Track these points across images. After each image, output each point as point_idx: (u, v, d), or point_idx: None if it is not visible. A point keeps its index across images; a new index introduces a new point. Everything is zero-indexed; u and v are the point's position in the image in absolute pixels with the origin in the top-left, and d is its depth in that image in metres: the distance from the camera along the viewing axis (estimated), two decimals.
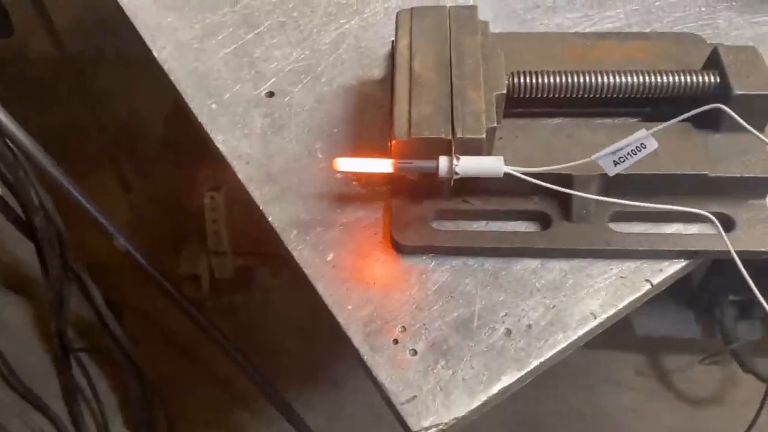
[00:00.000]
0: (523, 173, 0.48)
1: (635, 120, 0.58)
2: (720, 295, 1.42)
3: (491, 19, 0.66)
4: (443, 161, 0.48)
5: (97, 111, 1.58)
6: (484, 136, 0.48)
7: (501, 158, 0.48)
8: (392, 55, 0.54)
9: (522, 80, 0.53)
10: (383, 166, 0.48)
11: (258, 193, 0.55)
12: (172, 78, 0.63)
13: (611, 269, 0.50)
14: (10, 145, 0.78)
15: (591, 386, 1.43)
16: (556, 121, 0.57)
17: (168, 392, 1.40)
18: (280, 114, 0.60)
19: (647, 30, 0.65)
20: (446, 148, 0.48)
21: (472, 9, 0.56)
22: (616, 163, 0.47)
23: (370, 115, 0.60)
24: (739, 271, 0.49)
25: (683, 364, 1.48)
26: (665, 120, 0.57)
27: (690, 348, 1.48)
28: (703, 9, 0.67)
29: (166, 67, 0.64)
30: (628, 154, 0.47)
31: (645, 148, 0.47)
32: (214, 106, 0.61)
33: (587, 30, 0.66)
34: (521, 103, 0.56)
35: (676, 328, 1.52)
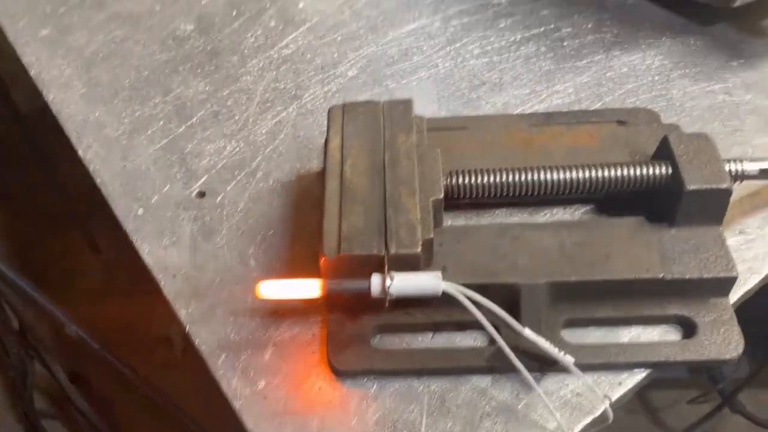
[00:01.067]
0: (465, 286, 0.44)
1: (587, 208, 0.55)
2: None
3: (436, 100, 0.63)
4: (375, 281, 0.44)
5: (60, 170, 1.53)
6: (419, 250, 0.44)
7: (438, 274, 0.44)
8: (324, 157, 0.51)
9: (460, 181, 0.50)
10: (310, 289, 0.44)
11: (184, 312, 0.51)
12: (98, 180, 0.60)
13: (567, 385, 0.46)
14: None
15: None
16: (501, 217, 0.54)
17: None
18: (211, 217, 0.56)
19: (598, 104, 0.62)
20: (380, 264, 0.44)
21: (407, 103, 0.53)
22: None
23: (307, 213, 0.56)
24: None
25: (672, 400, 1.44)
26: (620, 207, 0.53)
27: (678, 384, 1.45)
28: (656, 78, 0.64)
29: (91, 168, 0.60)
30: None
31: None
32: (140, 211, 0.57)
33: (535, 107, 0.62)
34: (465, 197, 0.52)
35: None
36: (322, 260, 0.45)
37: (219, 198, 0.58)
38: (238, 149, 0.61)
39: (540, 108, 0.62)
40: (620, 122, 0.58)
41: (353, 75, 0.66)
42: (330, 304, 0.49)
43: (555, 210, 0.55)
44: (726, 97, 0.62)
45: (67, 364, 1.31)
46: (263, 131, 0.62)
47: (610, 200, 0.54)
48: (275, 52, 0.69)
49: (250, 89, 0.65)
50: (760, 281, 0.52)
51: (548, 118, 0.59)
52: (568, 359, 0.45)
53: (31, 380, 1.31)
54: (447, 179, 0.50)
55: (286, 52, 0.69)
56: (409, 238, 0.45)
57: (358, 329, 0.48)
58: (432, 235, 0.46)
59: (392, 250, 0.44)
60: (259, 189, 0.58)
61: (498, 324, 0.47)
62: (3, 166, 1.66)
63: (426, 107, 0.63)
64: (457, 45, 0.68)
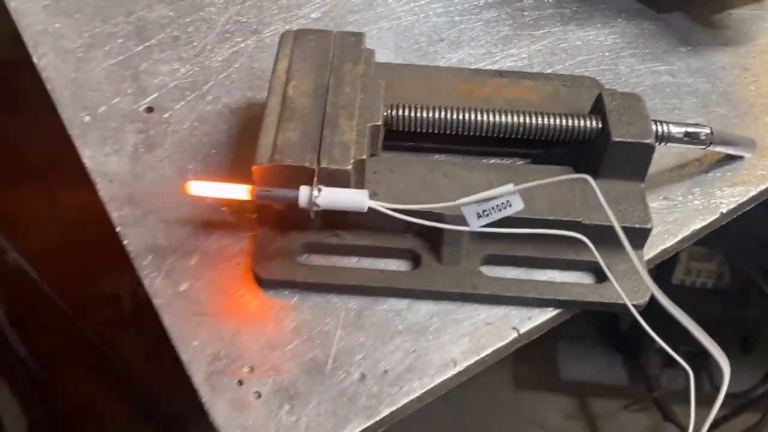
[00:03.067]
0: (390, 209, 0.46)
1: (522, 162, 0.57)
2: (647, 342, 1.43)
3: (393, 50, 0.65)
4: (303, 191, 0.45)
5: (22, 122, 1.51)
6: (350, 167, 0.46)
7: (365, 192, 0.45)
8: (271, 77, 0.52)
9: (399, 113, 0.51)
10: (240, 192, 0.45)
11: (116, 214, 0.51)
12: (49, 87, 0.60)
13: (479, 314, 0.48)
14: None
15: (520, 428, 1.41)
16: (437, 156, 0.55)
17: (83, 417, 1.32)
18: (156, 131, 0.57)
19: (548, 71, 0.64)
20: (310, 178, 0.46)
21: (359, 36, 0.54)
22: (479, 216, 0.45)
23: (252, 138, 0.56)
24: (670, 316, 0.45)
25: (612, 409, 1.47)
26: (553, 162, 0.55)
27: (619, 392, 1.48)
28: (606, 54, 0.67)
29: (44, 75, 0.60)
30: (493, 209, 0.45)
31: (510, 206, 0.45)
32: (87, 118, 0.58)
33: (488, 67, 0.64)
34: (406, 137, 0.54)
35: (602, 372, 1.51)
36: (254, 168, 0.46)
37: (166, 115, 0.58)
38: (191, 72, 0.61)
39: (492, 67, 0.64)
40: (564, 85, 0.60)
41: (316, 18, 0.67)
42: (261, 219, 0.50)
43: (492, 161, 0.57)
44: (669, 78, 0.65)
45: (8, 303, 1.29)
46: (219, 59, 0.63)
47: (545, 155, 0.56)
48: None
49: (212, 19, 0.66)
50: (677, 243, 0.54)
51: (496, 74, 0.60)
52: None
53: None
54: (387, 110, 0.51)
55: None
56: (342, 156, 0.46)
57: (286, 244, 0.49)
58: (364, 157, 0.47)
59: (323, 164, 0.46)
60: (206, 111, 0.59)
61: (421, 254, 0.49)
62: None
63: (383, 55, 0.64)
64: (422, 2, 0.70)
